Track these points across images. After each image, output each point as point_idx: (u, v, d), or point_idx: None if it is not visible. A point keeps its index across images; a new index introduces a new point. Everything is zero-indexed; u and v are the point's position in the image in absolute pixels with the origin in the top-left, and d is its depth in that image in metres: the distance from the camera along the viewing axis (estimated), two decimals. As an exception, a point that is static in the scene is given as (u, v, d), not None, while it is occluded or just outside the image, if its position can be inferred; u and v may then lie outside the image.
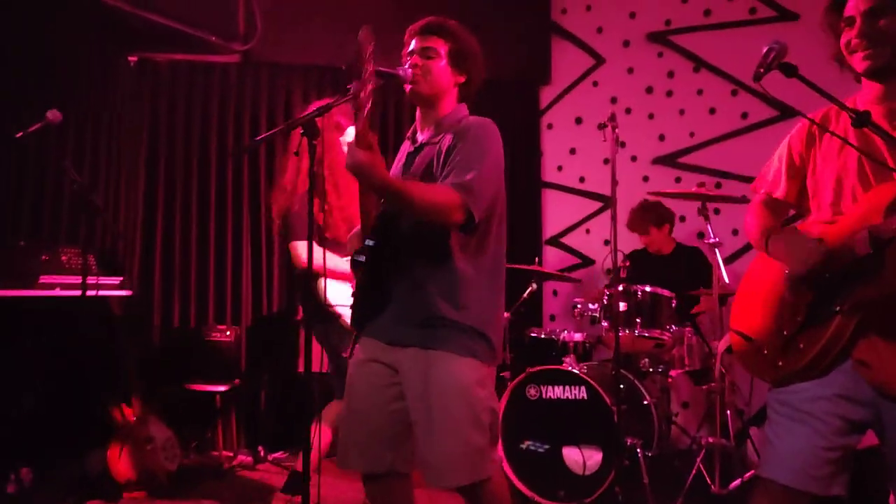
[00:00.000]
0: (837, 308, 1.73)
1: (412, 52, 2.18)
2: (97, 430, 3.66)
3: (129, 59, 4.74)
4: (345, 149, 2.92)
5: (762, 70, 1.71)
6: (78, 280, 3.42)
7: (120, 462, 3.53)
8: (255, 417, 4.67)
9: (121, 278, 3.82)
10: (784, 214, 2.08)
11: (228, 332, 4.44)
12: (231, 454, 4.36)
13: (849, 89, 1.91)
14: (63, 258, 3.72)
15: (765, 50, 1.71)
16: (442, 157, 2.08)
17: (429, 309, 2.03)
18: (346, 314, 2.81)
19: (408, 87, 2.16)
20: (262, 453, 4.45)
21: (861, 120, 1.55)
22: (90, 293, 3.41)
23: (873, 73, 1.79)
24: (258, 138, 2.36)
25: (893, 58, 1.75)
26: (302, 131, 2.14)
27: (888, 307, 1.66)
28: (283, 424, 4.59)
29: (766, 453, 1.85)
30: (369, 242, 2.12)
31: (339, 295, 3.07)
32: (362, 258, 2.14)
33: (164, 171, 4.76)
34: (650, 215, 4.44)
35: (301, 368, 3.03)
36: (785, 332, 1.84)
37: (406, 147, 2.31)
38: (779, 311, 1.87)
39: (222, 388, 4.21)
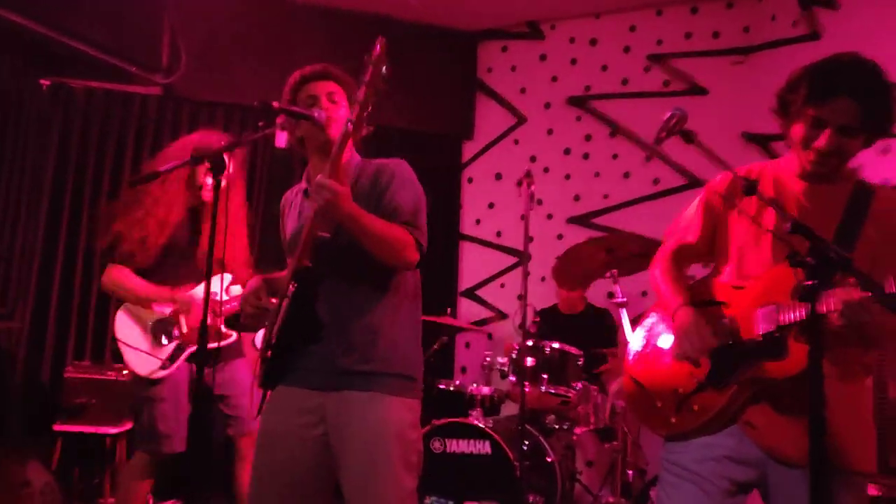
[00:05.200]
0: (736, 379, 1.77)
1: (315, 97, 2.09)
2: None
3: (42, 82, 4.58)
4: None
5: (664, 134, 1.78)
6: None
7: (-9, 507, 3.28)
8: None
9: (7, 309, 3.61)
10: (689, 264, 2.10)
11: (125, 372, 4.21)
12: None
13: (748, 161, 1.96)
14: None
15: (667, 116, 1.78)
16: (371, 201, 2.01)
17: (365, 351, 1.99)
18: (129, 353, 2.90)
19: (322, 132, 2.05)
20: (150, 502, 4.20)
21: (749, 188, 1.61)
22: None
23: (809, 176, 1.84)
24: (163, 168, 2.28)
25: (835, 169, 1.80)
26: (209, 165, 2.10)
27: (784, 385, 1.71)
28: (178, 471, 4.36)
29: None
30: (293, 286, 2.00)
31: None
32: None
33: (70, 199, 4.58)
34: (579, 273, 4.15)
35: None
36: (680, 391, 1.88)
37: (300, 202, 2.19)
38: (676, 368, 1.90)
39: (113, 431, 3.98)
